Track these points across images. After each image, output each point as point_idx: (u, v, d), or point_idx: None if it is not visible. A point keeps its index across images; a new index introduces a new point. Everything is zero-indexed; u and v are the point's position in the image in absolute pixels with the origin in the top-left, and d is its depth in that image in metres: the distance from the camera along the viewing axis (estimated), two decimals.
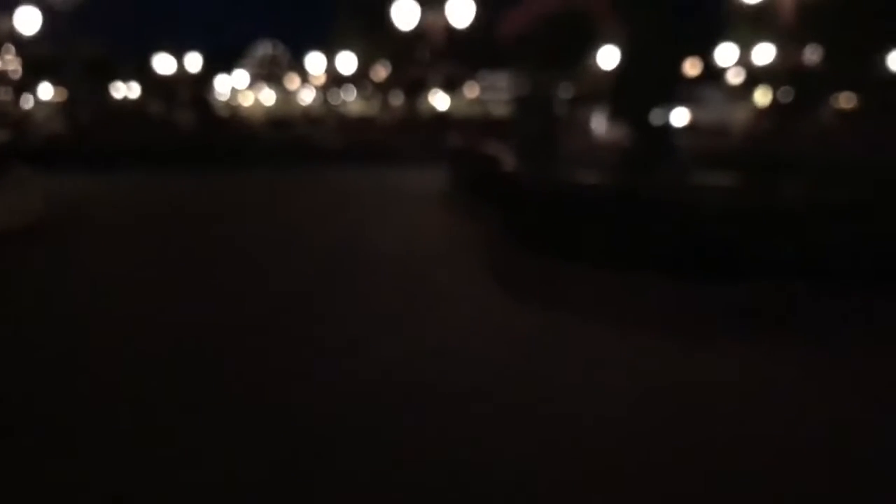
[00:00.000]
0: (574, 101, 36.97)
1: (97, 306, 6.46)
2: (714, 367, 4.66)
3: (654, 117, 8.26)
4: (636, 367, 4.67)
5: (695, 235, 6.27)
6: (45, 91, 48.02)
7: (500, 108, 67.20)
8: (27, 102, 54.12)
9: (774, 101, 25.37)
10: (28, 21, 27.07)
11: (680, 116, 26.89)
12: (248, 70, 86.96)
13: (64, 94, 34.02)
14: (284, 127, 41.54)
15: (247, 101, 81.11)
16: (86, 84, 29.65)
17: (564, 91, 32.60)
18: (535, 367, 4.73)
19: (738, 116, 31.04)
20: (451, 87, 29.89)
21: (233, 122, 35.09)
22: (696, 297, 5.92)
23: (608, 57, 39.44)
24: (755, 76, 32.39)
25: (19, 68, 34.90)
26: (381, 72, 58.60)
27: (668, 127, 12.12)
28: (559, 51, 9.73)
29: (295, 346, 5.24)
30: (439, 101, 30.33)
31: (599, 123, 31.65)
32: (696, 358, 4.82)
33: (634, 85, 8.53)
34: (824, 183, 6.97)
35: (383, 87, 54.65)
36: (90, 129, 25.35)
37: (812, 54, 27.31)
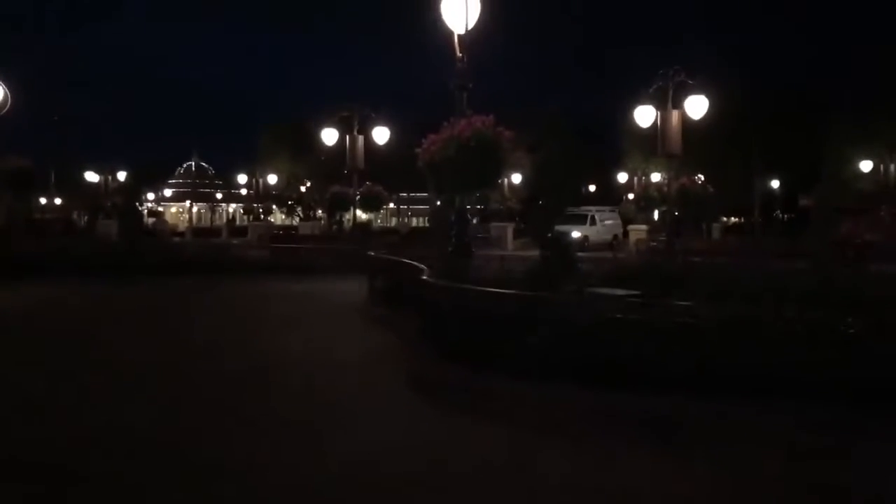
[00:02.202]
0: (486, 217, 39.34)
1: None
2: (597, 471, 5.19)
3: (558, 233, 9.06)
4: (533, 471, 5.25)
5: (601, 345, 6.61)
6: None
7: (418, 220, 69.19)
8: None
9: (666, 219, 27.81)
10: None
11: (577, 233, 29.06)
12: (173, 184, 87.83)
13: None
14: (208, 238, 42.27)
15: (172, 212, 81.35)
16: (7, 193, 29.84)
17: (477, 208, 34.75)
18: (435, 471, 5.30)
19: (633, 233, 33.44)
20: (371, 202, 31.41)
21: (157, 232, 35.57)
22: (600, 405, 6.22)
23: (515, 179, 42.55)
24: (649, 197, 35.27)
25: None
26: (304, 187, 60.41)
27: (569, 242, 13.20)
28: (471, 173, 10.73)
29: (191, 462, 5.47)
30: (360, 215, 31.83)
31: (508, 237, 33.74)
32: (582, 462, 5.37)
33: (541, 204, 9.43)
34: (717, 295, 7.26)
35: (306, 202, 56.29)
36: (9, 237, 25.44)
37: (699, 178, 30.23)
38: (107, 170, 53.80)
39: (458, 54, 10.94)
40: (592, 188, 56.73)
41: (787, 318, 6.40)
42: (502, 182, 40.33)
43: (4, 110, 22.94)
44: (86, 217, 48.10)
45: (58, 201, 62.16)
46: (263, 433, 6.29)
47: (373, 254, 15.73)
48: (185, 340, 11.03)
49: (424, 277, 9.47)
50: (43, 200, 55.86)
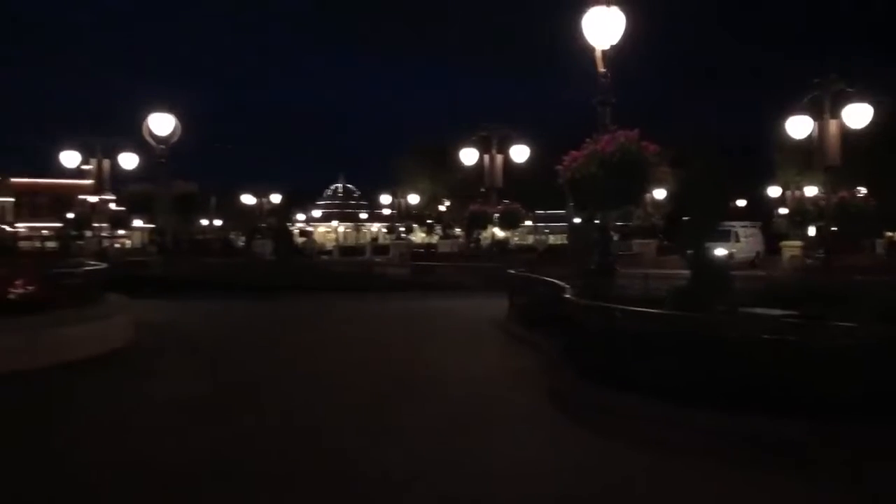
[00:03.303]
0: (628, 234, 38.42)
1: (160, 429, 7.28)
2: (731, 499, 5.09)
3: (707, 252, 8.55)
4: (676, 497, 5.19)
5: (754, 370, 6.30)
6: (138, 223, 52.02)
7: (558, 238, 68.46)
8: (122, 234, 58.26)
9: (822, 236, 26.07)
10: (128, 161, 30.46)
11: (721, 250, 27.66)
12: (322, 205, 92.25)
13: (155, 225, 37.06)
14: (353, 256, 43.84)
15: (320, 232, 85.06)
16: (174, 216, 32.29)
17: (618, 224, 33.99)
18: (575, 492, 5.32)
19: (786, 250, 31.59)
20: (509, 220, 31.45)
21: (307, 251, 37.32)
22: (755, 432, 5.96)
23: (658, 194, 41.24)
24: (804, 211, 33.21)
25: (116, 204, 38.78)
26: (442, 206, 61.47)
27: (720, 261, 12.58)
28: (614, 189, 10.45)
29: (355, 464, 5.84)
30: (499, 232, 31.97)
31: (651, 255, 32.77)
32: (729, 490, 5.23)
33: (686, 222, 9.00)
34: (884, 316, 6.79)
35: (445, 221, 57.19)
36: (177, 257, 27.49)
37: (860, 191, 28.18)
38: (262, 193, 57.05)
39: (601, 70, 10.82)
40: (741, 203, 54.20)
41: None
42: (645, 197, 39.24)
43: (174, 140, 24.96)
44: (243, 237, 51.16)
45: (217, 223, 66.58)
46: (403, 443, 6.45)
47: (513, 272, 15.72)
48: (338, 352, 11.53)
49: (567, 296, 9.37)
50: (204, 222, 59.98)
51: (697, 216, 8.59)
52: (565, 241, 52.95)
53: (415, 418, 7.30)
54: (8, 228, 47.45)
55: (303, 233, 64.94)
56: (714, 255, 11.90)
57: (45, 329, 10.15)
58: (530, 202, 40.51)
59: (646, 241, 35.82)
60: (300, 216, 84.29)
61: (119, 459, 6.00)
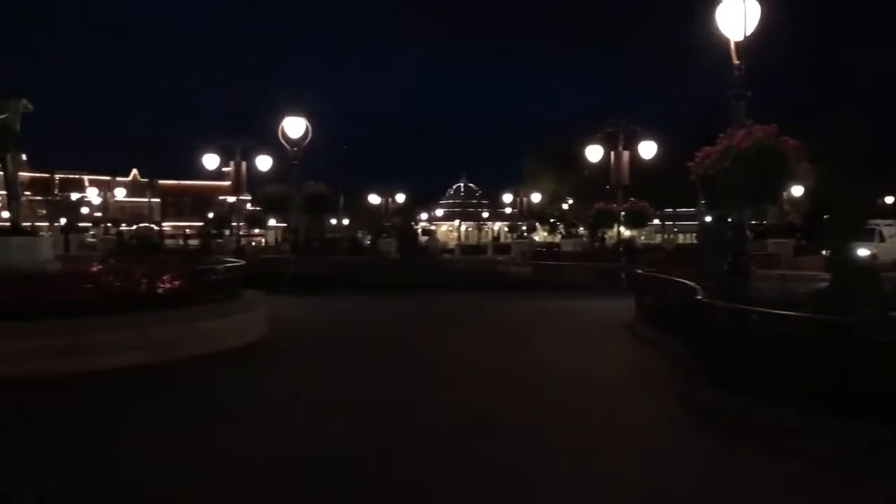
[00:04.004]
0: (762, 233, 36.58)
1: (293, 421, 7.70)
2: None
3: (850, 252, 8.09)
4: None
5: None
6: (273, 222, 54.58)
7: (687, 237, 66.16)
8: (258, 232, 61.25)
9: None
10: (263, 163, 32.05)
11: (864, 250, 25.69)
12: (444, 204, 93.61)
13: (288, 224, 38.79)
14: (475, 255, 44.10)
15: (442, 231, 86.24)
16: (305, 215, 33.57)
17: (752, 223, 32.43)
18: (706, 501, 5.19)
19: None
20: (636, 218, 30.70)
21: (430, 250, 37.89)
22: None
23: (796, 192, 39.01)
24: None
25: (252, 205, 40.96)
26: (566, 205, 60.86)
27: (864, 262, 11.78)
28: (749, 186, 10.02)
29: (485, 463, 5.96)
30: (623, 231, 31.29)
31: (788, 255, 31.06)
32: None
33: (829, 221, 8.54)
34: None
35: (568, 219, 56.58)
36: (308, 255, 28.56)
37: None
38: (387, 193, 58.50)
39: (736, 61, 10.36)
40: (890, 199, 50.54)
41: None
42: (782, 195, 37.17)
43: (305, 142, 25.98)
44: (369, 236, 52.58)
45: (345, 222, 68.82)
46: (528, 444, 6.39)
47: (640, 272, 15.31)
48: (462, 350, 11.58)
49: (698, 297, 9.04)
50: (333, 221, 62.11)
51: (841, 214, 8.06)
52: (695, 241, 51.18)
53: (540, 422, 7.22)
54: (155, 227, 50.88)
55: (425, 231, 66.07)
56: (857, 256, 11.14)
57: (190, 322, 10.79)
58: (658, 200, 39.40)
59: (782, 240, 33.98)
60: (423, 215, 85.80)
61: (256, 448, 6.30)
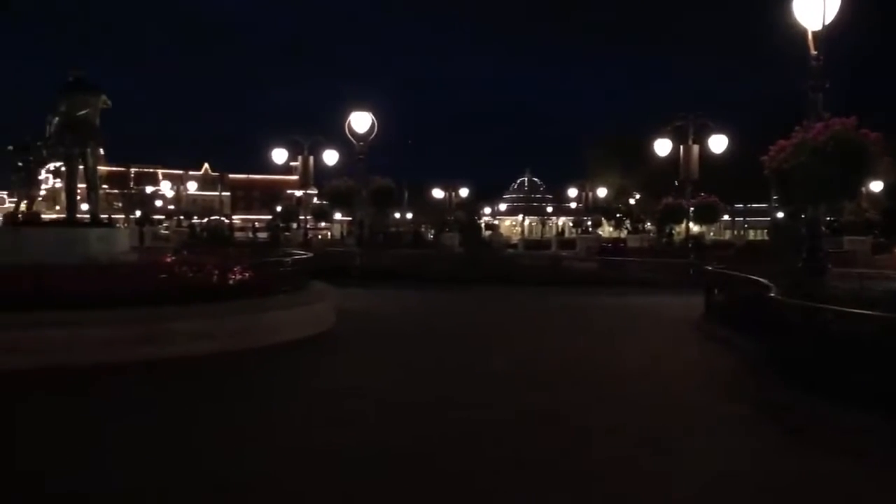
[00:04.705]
0: (838, 229, 35.31)
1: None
2: None
3: None
4: None
5: None
6: (338, 216, 55.38)
7: (755, 233, 64.33)
8: (324, 226, 62.19)
9: None
10: (330, 158, 32.52)
11: None
12: (508, 198, 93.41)
13: (353, 218, 39.29)
14: (538, 250, 43.88)
15: (506, 225, 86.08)
16: (370, 209, 33.93)
17: (828, 219, 31.38)
18: None
19: None
20: (705, 214, 30.03)
21: (493, 244, 37.86)
22: None
23: (874, 187, 37.46)
24: None
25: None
26: (632, 200, 59.93)
27: None
28: (826, 181, 9.76)
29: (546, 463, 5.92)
30: (692, 227, 30.62)
31: (866, 252, 29.93)
32: None
33: None
34: None
35: (635, 214, 55.72)
36: (372, 248, 28.88)
37: None
38: (450, 187, 58.63)
39: (813, 52, 10.02)
40: None
41: None
42: (860, 190, 35.83)
43: (371, 137, 26.24)
44: (432, 230, 52.83)
45: (409, 216, 69.30)
46: (596, 441, 6.33)
47: (710, 268, 14.98)
48: (527, 345, 11.53)
49: (772, 295, 8.79)
50: (396, 215, 62.65)
51: None
52: (766, 238, 49.84)
53: (607, 422, 7.12)
54: (225, 220, 52.22)
55: (488, 226, 66.02)
56: None
57: (260, 313, 11.04)
58: (728, 195, 38.45)
59: (859, 238, 32.74)
60: (486, 210, 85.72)
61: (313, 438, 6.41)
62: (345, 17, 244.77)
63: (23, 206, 15.19)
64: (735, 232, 73.56)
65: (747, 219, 73.98)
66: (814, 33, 10.08)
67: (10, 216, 16.45)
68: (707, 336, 12.44)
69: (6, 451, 5.93)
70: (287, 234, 42.05)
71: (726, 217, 57.24)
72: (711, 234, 57.67)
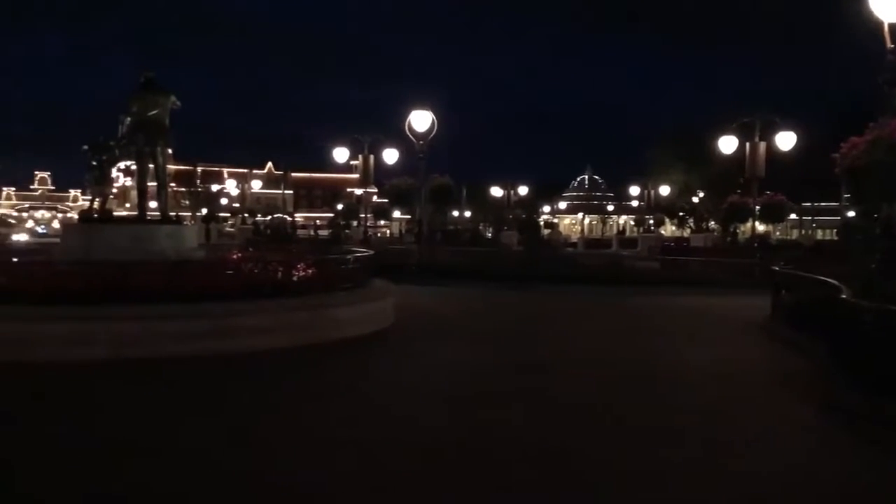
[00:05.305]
0: None
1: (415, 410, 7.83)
2: None
3: None
4: None
5: None
6: (398, 214, 55.84)
7: (823, 233, 62.28)
8: (383, 223, 62.78)
9: None
10: (390, 156, 32.78)
11: None
12: (567, 196, 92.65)
13: (412, 216, 39.64)
14: (599, 249, 43.44)
15: (565, 224, 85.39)
16: (429, 207, 34.10)
17: None
18: None
19: None
20: (772, 212, 29.29)
21: (552, 243, 37.62)
22: None
23: None
24: None
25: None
26: (696, 198, 58.76)
27: None
28: None
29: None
30: (758, 226, 29.87)
31: None
32: None
33: None
34: None
35: (698, 213, 54.62)
36: (431, 246, 29.04)
37: None
38: (509, 185, 58.42)
39: (890, 46, 9.66)
40: None
41: None
42: None
43: (431, 135, 26.37)
44: (490, 228, 52.74)
45: (467, 214, 69.37)
46: (659, 444, 6.23)
47: (777, 268, 14.58)
48: (586, 343, 11.44)
49: (843, 296, 8.51)
50: (455, 213, 62.75)
51: None
52: (836, 237, 48.25)
53: (671, 422, 7.02)
54: (288, 218, 53.15)
55: (548, 224, 65.57)
56: None
57: (322, 309, 11.22)
58: (795, 194, 37.39)
59: None
60: (546, 208, 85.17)
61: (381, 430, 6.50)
62: (408, 16, 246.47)
63: (96, 204, 15.70)
64: (802, 231, 71.42)
65: (816, 218, 71.74)
66: (890, 25, 9.72)
67: (85, 213, 17.06)
68: (774, 338, 12.13)
69: (86, 436, 6.17)
70: (347, 231, 42.62)
71: (793, 216, 55.57)
72: (777, 233, 56.16)
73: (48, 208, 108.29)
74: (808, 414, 7.30)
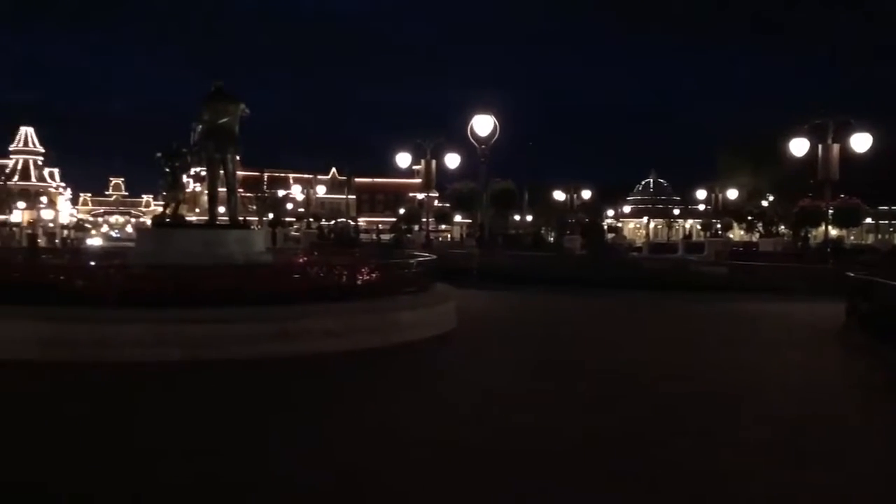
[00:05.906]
0: None
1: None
2: None
3: None
4: None
5: None
6: (459, 218, 55.93)
7: None
8: (444, 228, 62.94)
9: None
10: (452, 161, 32.87)
11: None
12: (632, 200, 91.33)
13: (473, 220, 39.67)
14: (664, 253, 42.65)
15: (630, 228, 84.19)
16: (491, 211, 34.04)
17: None
18: None
19: None
20: (847, 217, 28.31)
21: (616, 247, 37.14)
22: None
23: None
24: None
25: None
26: (764, 202, 57.18)
27: None
28: None
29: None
30: (831, 231, 28.90)
31: None
32: None
33: None
34: None
35: (768, 217, 53.15)
36: (493, 250, 28.97)
37: None
38: (572, 188, 57.90)
39: None
40: None
41: None
42: None
43: (493, 139, 26.37)
44: (553, 232, 52.36)
45: (528, 218, 68.95)
46: (742, 456, 6.06)
47: (852, 275, 14.07)
48: (645, 352, 11.15)
49: None
50: (517, 217, 62.44)
51: None
52: None
53: (751, 436, 6.77)
54: (351, 222, 53.84)
55: (611, 228, 64.72)
56: None
57: (387, 313, 11.31)
58: (871, 197, 36.07)
59: None
60: (609, 211, 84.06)
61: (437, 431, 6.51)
62: (472, 20, 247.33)
63: (169, 209, 16.19)
64: (879, 236, 68.74)
65: (892, 222, 69.03)
66: None
67: (158, 218, 17.62)
68: (848, 346, 11.75)
69: (160, 432, 6.36)
70: (409, 235, 42.92)
71: (869, 220, 53.63)
72: (851, 237, 54.24)
73: (122, 213, 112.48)
74: (889, 426, 7.04)
